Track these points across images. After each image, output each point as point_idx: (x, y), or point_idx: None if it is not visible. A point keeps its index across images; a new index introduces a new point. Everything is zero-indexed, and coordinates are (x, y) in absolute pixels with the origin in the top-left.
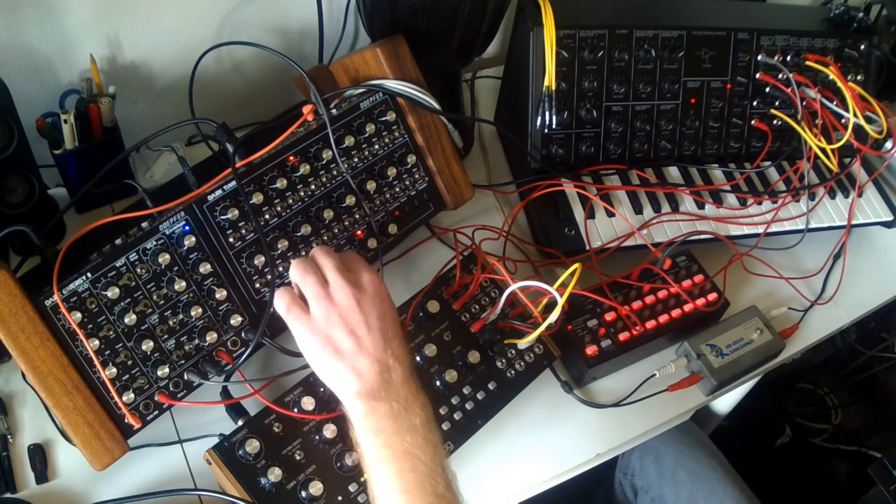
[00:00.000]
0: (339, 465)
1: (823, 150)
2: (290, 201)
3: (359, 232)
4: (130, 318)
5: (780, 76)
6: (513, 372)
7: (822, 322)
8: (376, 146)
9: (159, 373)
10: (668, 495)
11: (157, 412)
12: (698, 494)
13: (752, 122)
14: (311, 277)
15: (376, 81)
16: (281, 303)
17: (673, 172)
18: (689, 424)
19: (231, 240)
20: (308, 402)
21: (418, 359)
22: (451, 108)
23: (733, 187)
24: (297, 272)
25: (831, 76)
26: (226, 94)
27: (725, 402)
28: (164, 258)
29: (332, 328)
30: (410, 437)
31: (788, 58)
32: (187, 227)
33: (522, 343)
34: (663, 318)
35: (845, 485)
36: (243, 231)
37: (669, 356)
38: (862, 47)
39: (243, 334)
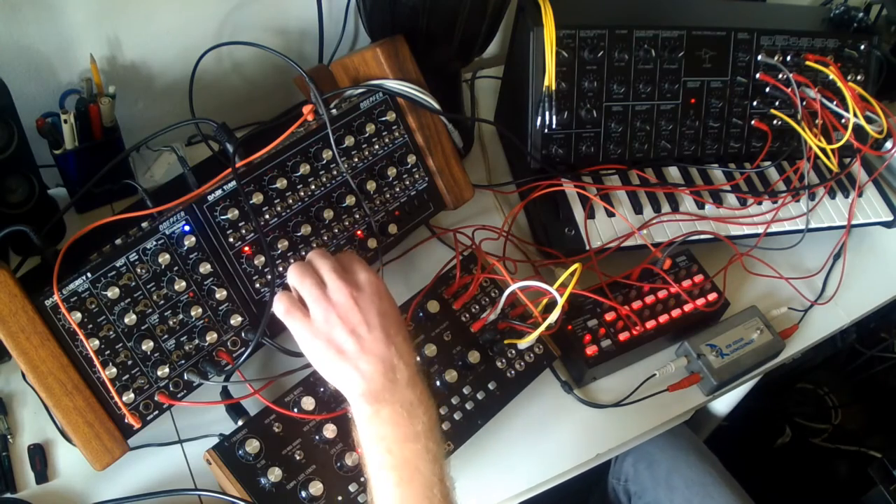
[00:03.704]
0: (339, 465)
1: (823, 150)
2: (290, 201)
3: (359, 232)
4: (130, 318)
5: (780, 76)
6: (513, 372)
7: (822, 322)
8: (376, 146)
9: (159, 373)
10: (662, 500)
11: (157, 412)
12: (693, 500)
13: (752, 122)
14: (308, 280)
15: (376, 81)
16: (280, 307)
17: (673, 172)
18: (682, 429)
19: (231, 240)
20: (308, 402)
21: (418, 359)
22: (451, 108)
23: (733, 187)
24: (294, 276)
25: (831, 76)
26: (226, 94)
27: (725, 403)
28: (164, 258)
29: (332, 329)
30: (412, 446)
31: (788, 58)
32: (187, 227)
33: (522, 343)
34: (663, 318)
35: (845, 485)
36: (243, 231)
37: (669, 356)
38: (862, 47)
39: (243, 334)
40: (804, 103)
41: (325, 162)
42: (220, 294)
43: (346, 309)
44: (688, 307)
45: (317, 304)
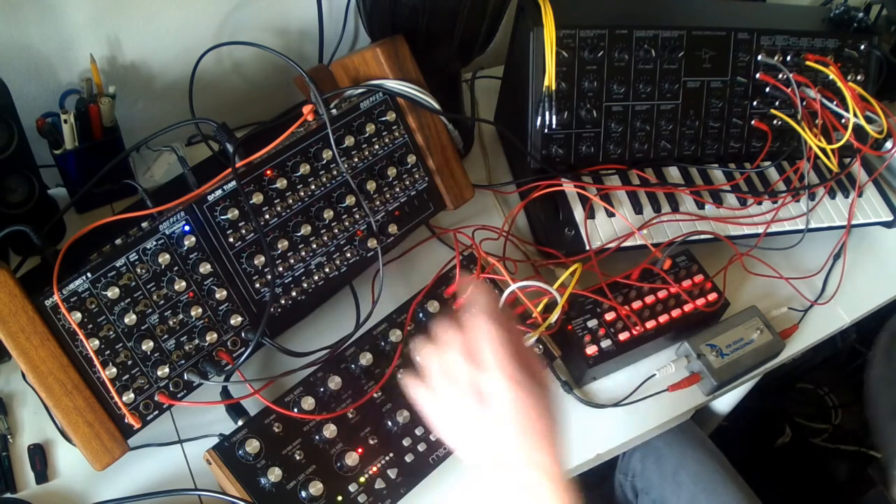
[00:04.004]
0: (339, 465)
1: (823, 150)
2: (290, 201)
3: (359, 232)
4: (130, 318)
5: (780, 76)
6: None
7: (822, 322)
8: (376, 146)
9: (159, 373)
10: (669, 497)
11: (157, 412)
12: (699, 496)
13: (752, 122)
14: (434, 372)
15: (376, 81)
16: (426, 403)
17: (673, 172)
18: (689, 425)
19: (231, 240)
20: (308, 402)
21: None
22: (451, 108)
23: (733, 187)
24: (425, 361)
25: (831, 76)
26: (226, 94)
27: (725, 402)
28: (164, 258)
29: (465, 426)
30: None
31: (788, 58)
32: (187, 227)
33: None
34: (663, 318)
35: (845, 485)
36: (243, 231)
37: (669, 356)
38: (862, 47)
39: (243, 334)
40: (804, 103)
41: (325, 162)
42: (220, 294)
43: (471, 411)
44: (688, 307)
45: (448, 401)
